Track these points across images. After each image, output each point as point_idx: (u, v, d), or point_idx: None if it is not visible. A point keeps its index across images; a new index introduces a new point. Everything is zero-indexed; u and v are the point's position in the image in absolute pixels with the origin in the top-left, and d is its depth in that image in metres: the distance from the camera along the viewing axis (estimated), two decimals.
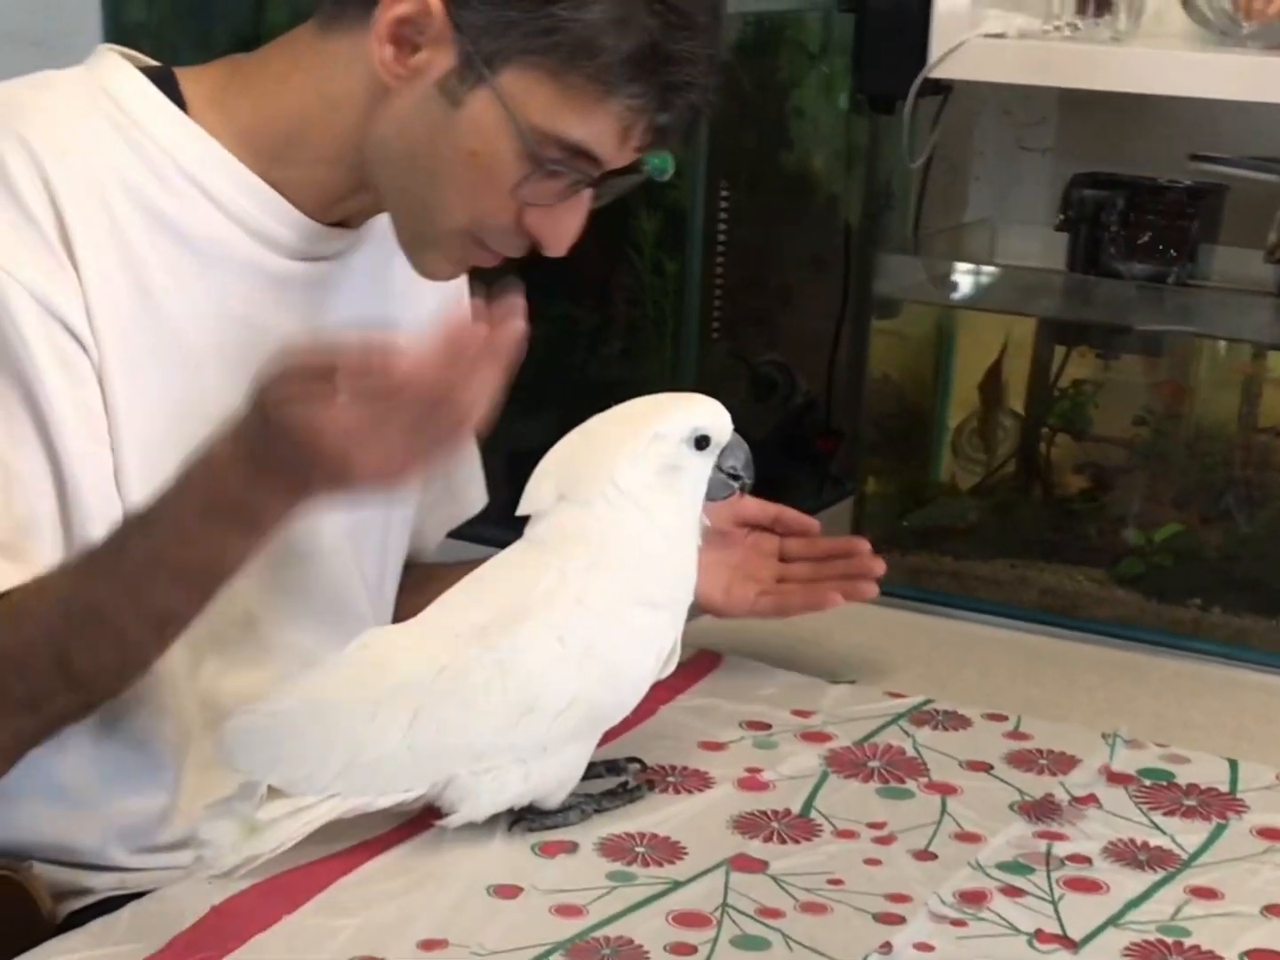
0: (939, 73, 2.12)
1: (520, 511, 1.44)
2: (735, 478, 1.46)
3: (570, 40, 1.39)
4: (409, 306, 1.65)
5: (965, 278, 2.07)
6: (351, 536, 1.63)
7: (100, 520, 1.40)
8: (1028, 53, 2.10)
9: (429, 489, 1.74)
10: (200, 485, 1.28)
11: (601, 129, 1.43)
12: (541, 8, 1.39)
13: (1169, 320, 1.95)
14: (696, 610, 1.74)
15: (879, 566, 1.69)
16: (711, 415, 1.44)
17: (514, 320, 1.20)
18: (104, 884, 1.48)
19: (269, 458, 1.23)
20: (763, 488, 2.30)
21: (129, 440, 1.44)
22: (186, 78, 1.50)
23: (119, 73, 1.47)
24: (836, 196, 2.32)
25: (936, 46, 2.11)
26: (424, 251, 1.50)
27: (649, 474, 1.41)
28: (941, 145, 2.47)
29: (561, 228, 1.48)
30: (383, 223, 1.57)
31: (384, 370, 1.17)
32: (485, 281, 1.87)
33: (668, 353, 2.03)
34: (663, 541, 1.43)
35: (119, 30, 2.27)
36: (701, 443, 1.43)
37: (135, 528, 1.33)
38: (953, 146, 2.48)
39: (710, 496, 1.46)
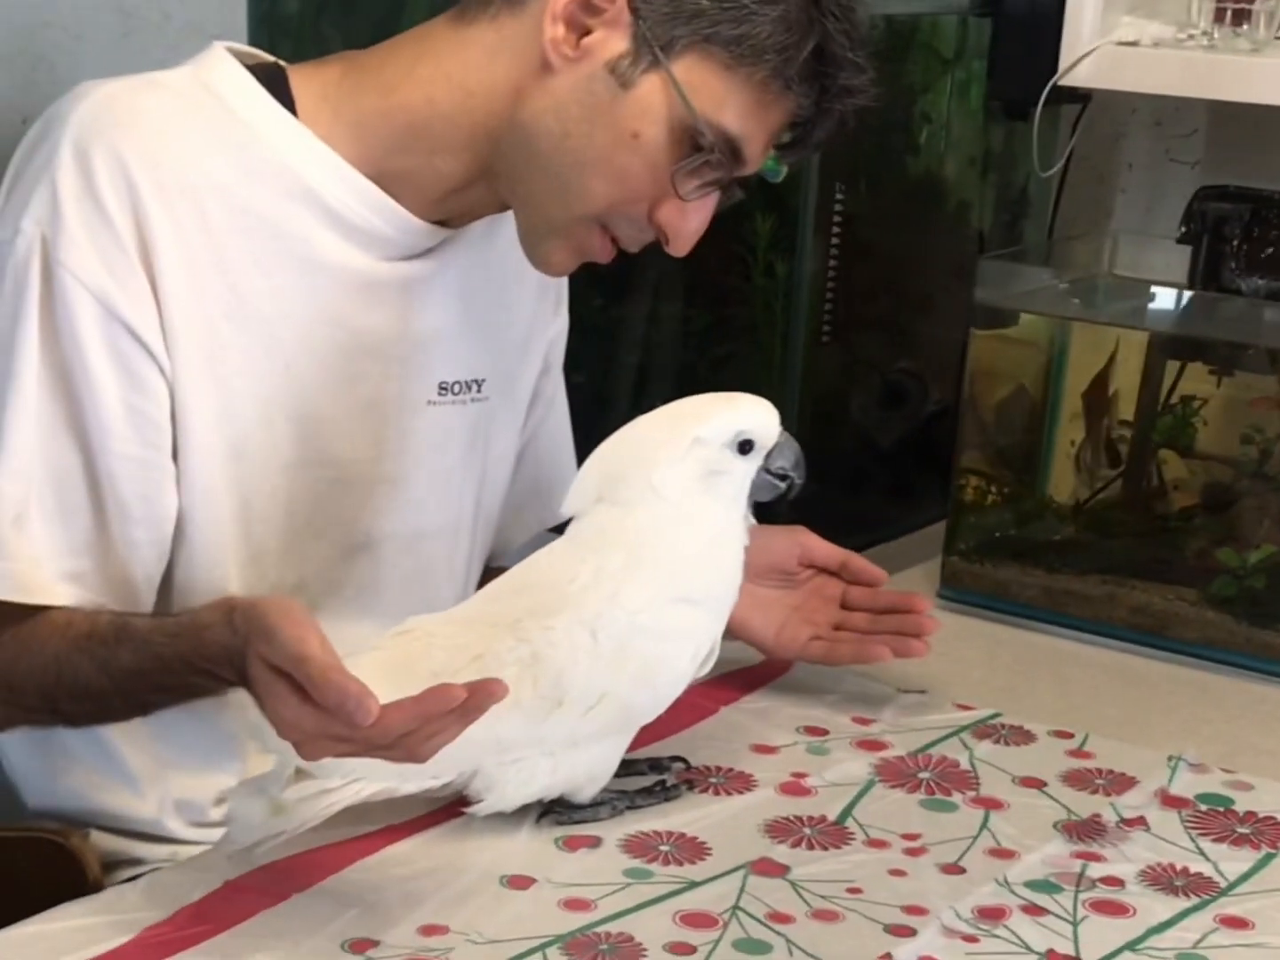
0: (1069, 80, 2.11)
1: (563, 512, 1.45)
2: (784, 478, 1.45)
3: (754, 34, 1.42)
4: (502, 310, 1.67)
5: (1074, 288, 2.04)
6: (445, 531, 1.66)
7: (142, 524, 1.45)
8: (1162, 62, 2.08)
9: (515, 488, 1.76)
10: (188, 641, 1.33)
11: (757, 128, 1.46)
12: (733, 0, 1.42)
13: None
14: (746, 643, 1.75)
15: (932, 626, 1.67)
16: (756, 418, 1.44)
17: (497, 689, 1.20)
18: (156, 855, 1.53)
19: (240, 667, 1.27)
20: (891, 493, 2.31)
21: (214, 444, 1.47)
22: (298, 75, 1.52)
23: (226, 72, 1.50)
24: (968, 203, 2.30)
25: (1067, 54, 2.09)
26: (546, 240, 1.52)
27: (689, 478, 1.41)
28: (1088, 155, 2.45)
29: (691, 225, 1.50)
30: (480, 228, 1.60)
31: (349, 723, 1.17)
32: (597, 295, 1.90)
33: (776, 355, 2.03)
34: (702, 542, 1.42)
35: (266, 22, 2.31)
36: (745, 447, 1.42)
37: (124, 639, 1.38)
38: (1100, 157, 2.46)
39: (756, 498, 1.46)
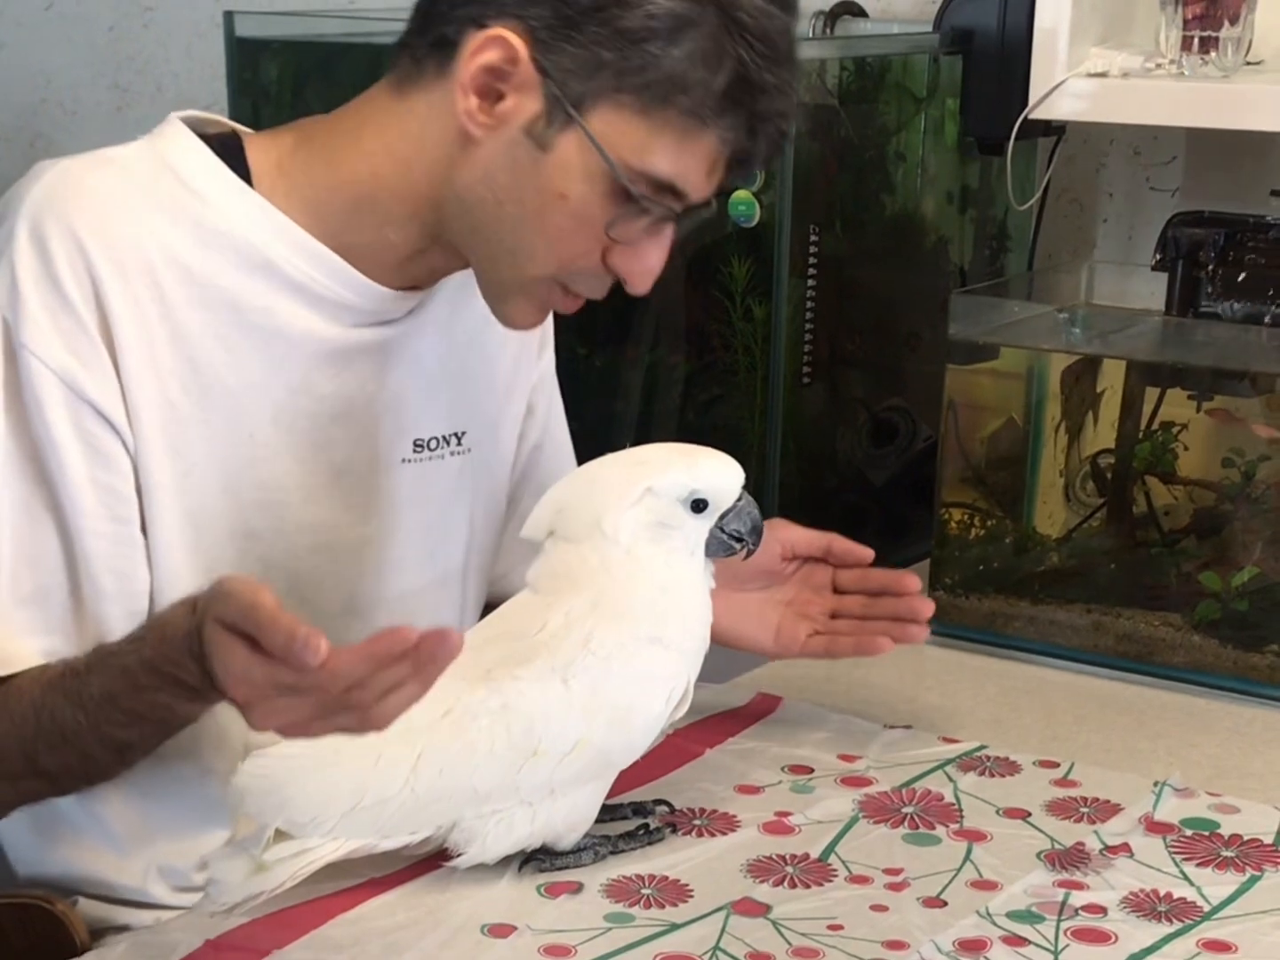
0: (1041, 113, 2.11)
1: (521, 535, 1.46)
2: (739, 540, 1.46)
3: (663, 77, 1.41)
4: (482, 361, 1.67)
5: (1051, 318, 2.05)
6: (433, 587, 1.67)
7: (115, 599, 1.47)
8: (1133, 91, 2.08)
9: (508, 536, 1.76)
10: (152, 643, 1.33)
11: (690, 163, 1.45)
12: (633, 46, 1.41)
13: (1265, 361, 1.91)
14: (748, 650, 1.75)
15: (927, 608, 1.67)
16: (714, 478, 1.44)
17: (453, 638, 1.18)
18: (142, 921, 1.53)
19: (198, 651, 1.26)
20: (885, 530, 2.32)
21: (174, 515, 1.48)
22: (254, 146, 1.53)
23: (182, 146, 1.51)
24: (948, 238, 2.31)
25: (1037, 87, 2.10)
26: (509, 300, 1.52)
27: (638, 525, 1.42)
28: (1069, 186, 2.46)
29: (645, 265, 1.49)
30: (457, 279, 1.60)
31: (298, 665, 1.16)
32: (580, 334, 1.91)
33: (758, 397, 2.04)
34: (654, 588, 1.42)
35: (249, 91, 2.34)
36: (699, 506, 1.43)
37: (95, 664, 1.37)
38: (1081, 187, 2.47)
39: (708, 554, 1.46)
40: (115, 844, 1.54)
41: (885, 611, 1.67)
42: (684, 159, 1.44)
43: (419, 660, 1.18)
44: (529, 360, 1.76)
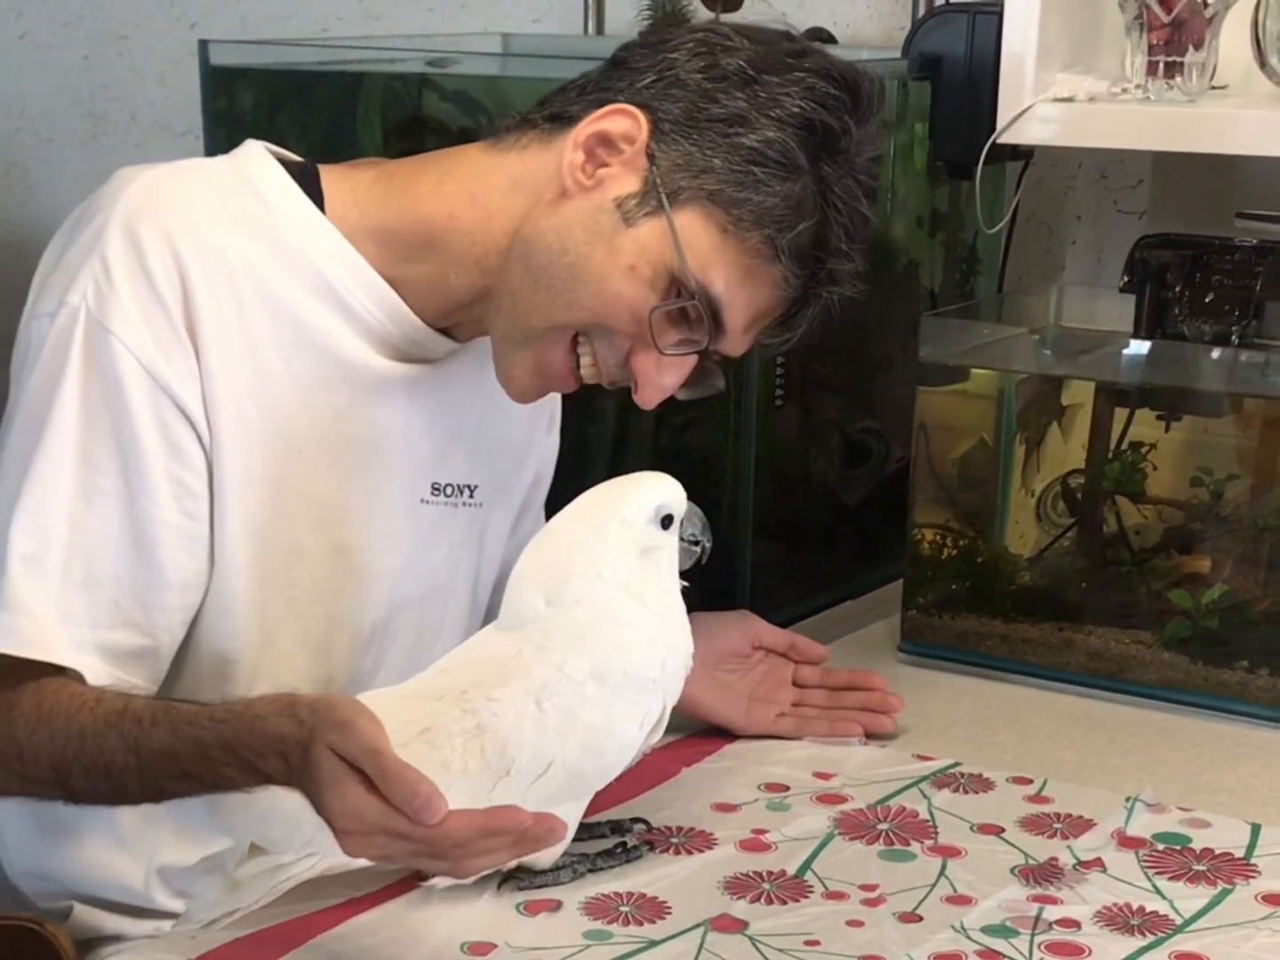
0: (1009, 138, 2.13)
1: (507, 624, 1.46)
2: (695, 543, 1.48)
3: (757, 203, 1.48)
4: (497, 424, 1.71)
5: (1021, 341, 2.08)
6: (431, 628, 1.68)
7: (177, 590, 1.48)
8: (1098, 116, 2.10)
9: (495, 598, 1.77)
10: (237, 728, 1.33)
11: (741, 298, 1.51)
12: (744, 165, 1.48)
13: (1231, 380, 1.93)
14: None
15: (898, 704, 1.79)
16: (669, 492, 1.46)
17: (558, 827, 1.27)
18: (140, 931, 1.55)
19: (295, 760, 1.28)
20: (859, 551, 2.33)
21: (235, 516, 1.51)
22: (329, 175, 1.58)
23: (262, 165, 1.57)
24: (918, 262, 2.33)
25: (1004, 112, 2.12)
26: (516, 350, 1.54)
27: (629, 559, 1.43)
28: (1038, 210, 2.48)
29: (661, 380, 1.54)
30: (484, 345, 1.62)
31: (415, 819, 1.22)
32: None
33: (731, 420, 2.06)
34: (655, 623, 1.44)
35: (224, 118, 2.36)
36: (667, 521, 1.45)
37: (161, 720, 1.38)
38: (1049, 211, 2.49)
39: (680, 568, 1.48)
40: (119, 841, 1.55)
41: (854, 704, 1.79)
42: (739, 290, 1.50)
43: (523, 838, 1.26)
44: (539, 436, 1.81)
